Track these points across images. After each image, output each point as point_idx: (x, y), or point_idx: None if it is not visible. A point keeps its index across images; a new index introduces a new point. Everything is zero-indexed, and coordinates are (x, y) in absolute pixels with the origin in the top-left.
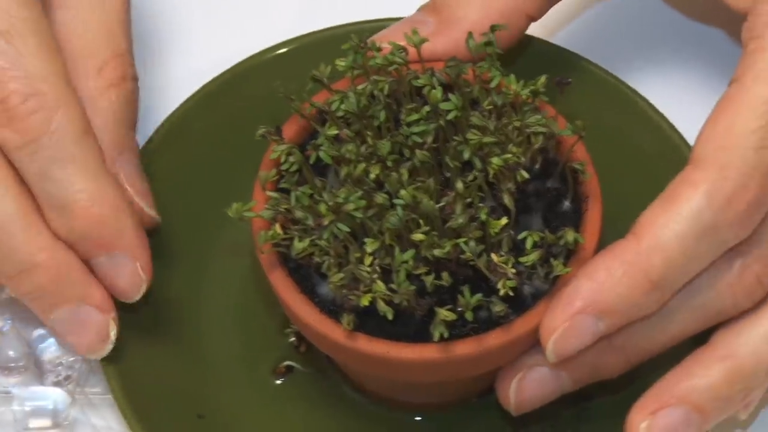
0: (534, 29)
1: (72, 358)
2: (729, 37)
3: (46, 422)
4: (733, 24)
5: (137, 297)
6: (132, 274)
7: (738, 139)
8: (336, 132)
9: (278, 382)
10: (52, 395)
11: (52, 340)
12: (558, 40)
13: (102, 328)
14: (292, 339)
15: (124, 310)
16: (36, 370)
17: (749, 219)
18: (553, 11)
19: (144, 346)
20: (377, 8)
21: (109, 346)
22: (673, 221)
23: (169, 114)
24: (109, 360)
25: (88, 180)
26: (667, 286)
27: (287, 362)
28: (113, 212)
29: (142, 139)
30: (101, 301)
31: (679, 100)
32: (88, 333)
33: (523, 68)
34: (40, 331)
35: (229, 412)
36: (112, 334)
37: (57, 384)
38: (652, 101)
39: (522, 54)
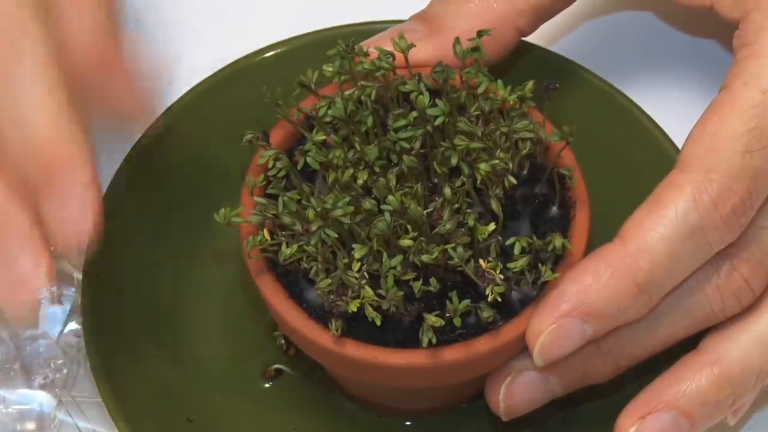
0: (530, 41)
1: (60, 361)
2: (722, 47)
3: (32, 425)
4: (726, 34)
5: (80, 248)
6: (79, 216)
7: (725, 142)
8: (323, 137)
9: (267, 385)
10: (39, 398)
11: (40, 343)
12: (555, 50)
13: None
14: (281, 342)
15: (115, 309)
16: (23, 372)
17: (735, 222)
18: (549, 24)
19: (133, 350)
20: (369, 12)
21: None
22: (659, 224)
23: (155, 119)
24: (98, 364)
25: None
26: (654, 289)
27: (276, 365)
28: (69, 141)
29: (130, 142)
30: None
31: (673, 109)
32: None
33: (513, 73)
34: (28, 333)
35: (218, 416)
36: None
37: (44, 387)
38: (645, 109)
39: (512, 59)
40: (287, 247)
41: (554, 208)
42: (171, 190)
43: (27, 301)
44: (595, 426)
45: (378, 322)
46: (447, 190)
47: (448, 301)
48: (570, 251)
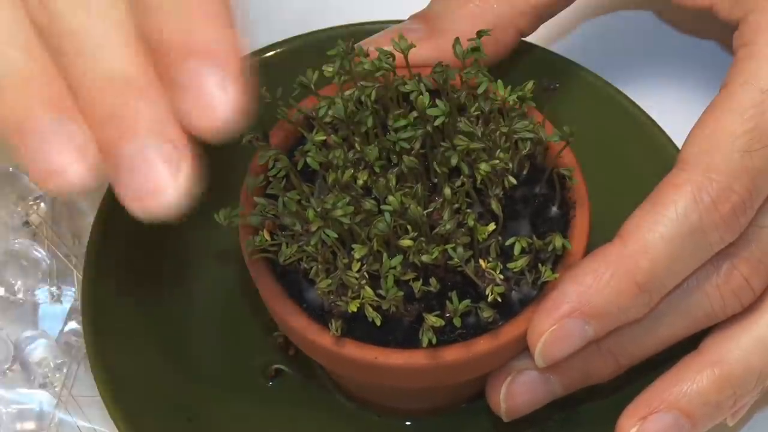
0: (530, 41)
1: (60, 360)
2: (721, 47)
3: (31, 424)
4: (726, 35)
5: (226, 126)
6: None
7: (724, 142)
8: (323, 138)
9: (267, 385)
10: (38, 397)
11: (39, 342)
12: (555, 50)
13: (172, 169)
14: (281, 342)
15: (115, 309)
16: (23, 371)
17: (735, 222)
18: (550, 23)
19: (133, 349)
20: (369, 12)
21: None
22: (660, 224)
23: None
24: (97, 364)
25: None
26: (654, 289)
27: (276, 366)
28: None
29: None
30: (177, 137)
31: (672, 109)
32: (155, 174)
33: (513, 73)
34: (28, 333)
35: (218, 416)
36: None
37: (44, 386)
38: (645, 109)
39: (512, 59)
40: (287, 247)
41: (554, 209)
42: None
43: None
44: (595, 426)
45: (378, 323)
46: (447, 191)
47: (448, 301)
48: (570, 251)
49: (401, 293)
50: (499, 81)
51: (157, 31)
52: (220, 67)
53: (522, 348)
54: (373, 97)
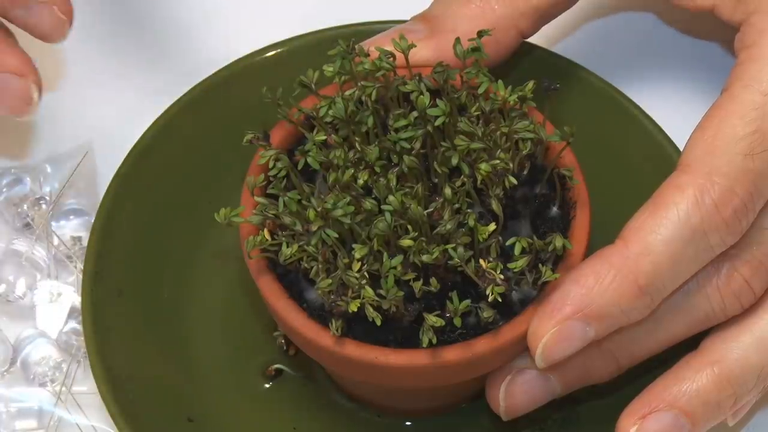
0: (532, 41)
1: (60, 359)
2: (722, 49)
3: (31, 423)
4: (727, 36)
5: (63, 39)
6: (51, 17)
7: (726, 144)
8: (324, 137)
9: (267, 385)
10: (38, 396)
11: (39, 341)
12: (556, 51)
13: (23, 92)
14: (281, 342)
15: (115, 309)
16: (23, 370)
17: (737, 224)
18: (550, 25)
19: (133, 349)
20: (369, 12)
21: (34, 108)
22: (661, 226)
23: (156, 118)
24: (97, 364)
25: None
26: (656, 291)
27: (276, 366)
28: None
29: (131, 142)
30: (18, 66)
31: (673, 111)
32: (10, 98)
33: (514, 73)
34: (28, 332)
35: (218, 416)
36: (35, 96)
37: (44, 385)
38: (646, 110)
39: (513, 59)
40: (287, 247)
41: (554, 209)
42: (171, 190)
43: (22, 102)
44: (594, 426)
45: (378, 322)
46: (447, 190)
47: (448, 301)
48: (570, 251)
49: (401, 293)
50: (500, 81)
51: None
52: None
53: (522, 348)
54: (373, 97)
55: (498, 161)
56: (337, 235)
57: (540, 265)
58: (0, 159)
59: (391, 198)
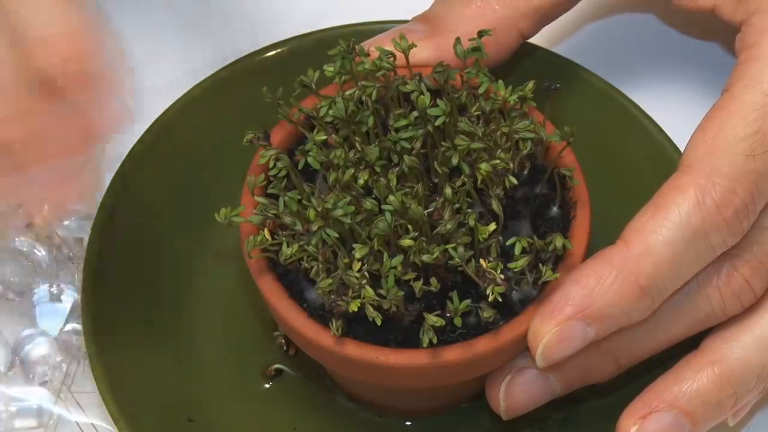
0: (533, 42)
1: (59, 358)
2: (723, 49)
3: (31, 422)
4: (728, 37)
5: (119, 132)
6: (112, 109)
7: (727, 145)
8: (324, 137)
9: (267, 385)
10: (38, 395)
11: (39, 340)
12: (557, 51)
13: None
14: (281, 342)
15: (115, 309)
16: (23, 370)
17: (738, 225)
18: (551, 25)
19: (133, 349)
20: (369, 12)
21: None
22: (663, 227)
23: (156, 117)
24: (97, 364)
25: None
26: (656, 292)
27: (276, 365)
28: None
29: (132, 142)
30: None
31: (674, 111)
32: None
33: (515, 74)
34: (28, 331)
35: (218, 416)
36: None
37: (44, 384)
38: (646, 111)
39: (514, 59)
40: (288, 246)
41: (555, 209)
42: (171, 190)
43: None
44: (594, 426)
45: (378, 322)
46: (448, 190)
47: (448, 301)
48: (570, 251)
49: (402, 293)
50: (500, 81)
51: None
52: None
53: (522, 348)
54: (373, 97)
55: (498, 161)
56: (337, 235)
57: (540, 265)
58: None
59: (391, 198)
